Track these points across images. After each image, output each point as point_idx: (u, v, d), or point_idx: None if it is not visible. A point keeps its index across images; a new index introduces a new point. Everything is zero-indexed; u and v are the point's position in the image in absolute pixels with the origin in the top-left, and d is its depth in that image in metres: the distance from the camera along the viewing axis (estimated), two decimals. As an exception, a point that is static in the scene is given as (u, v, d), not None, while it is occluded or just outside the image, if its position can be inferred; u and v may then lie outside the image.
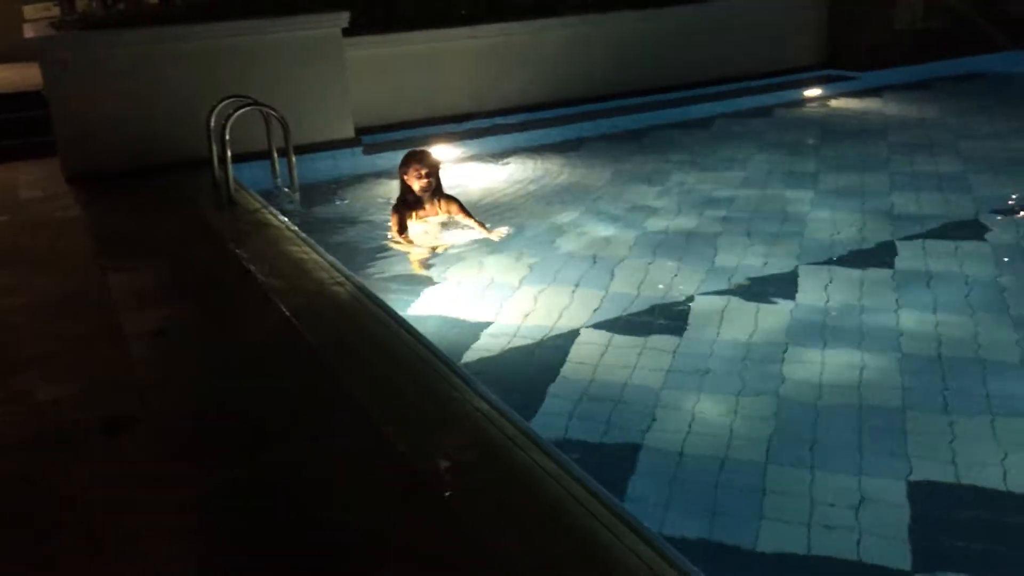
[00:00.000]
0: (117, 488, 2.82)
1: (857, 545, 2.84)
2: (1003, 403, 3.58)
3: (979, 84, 10.71)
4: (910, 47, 10.97)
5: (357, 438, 3.00)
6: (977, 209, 6.01)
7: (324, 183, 7.01)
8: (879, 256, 5.22)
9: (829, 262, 5.17)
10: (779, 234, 5.68)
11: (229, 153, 5.86)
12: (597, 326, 4.43)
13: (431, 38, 8.30)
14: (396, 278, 5.13)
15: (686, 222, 6.00)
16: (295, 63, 7.29)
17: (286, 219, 5.59)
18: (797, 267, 5.11)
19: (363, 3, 8.03)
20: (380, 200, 6.66)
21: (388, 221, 5.88)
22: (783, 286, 4.84)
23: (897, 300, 4.60)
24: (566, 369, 4.00)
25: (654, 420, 3.55)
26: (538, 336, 4.35)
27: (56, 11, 9.41)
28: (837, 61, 10.92)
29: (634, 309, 4.61)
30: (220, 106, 6.05)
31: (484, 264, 5.33)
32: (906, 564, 2.74)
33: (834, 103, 9.83)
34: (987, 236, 5.49)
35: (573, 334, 4.34)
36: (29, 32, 7.12)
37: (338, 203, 6.68)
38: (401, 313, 4.13)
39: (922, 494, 3.05)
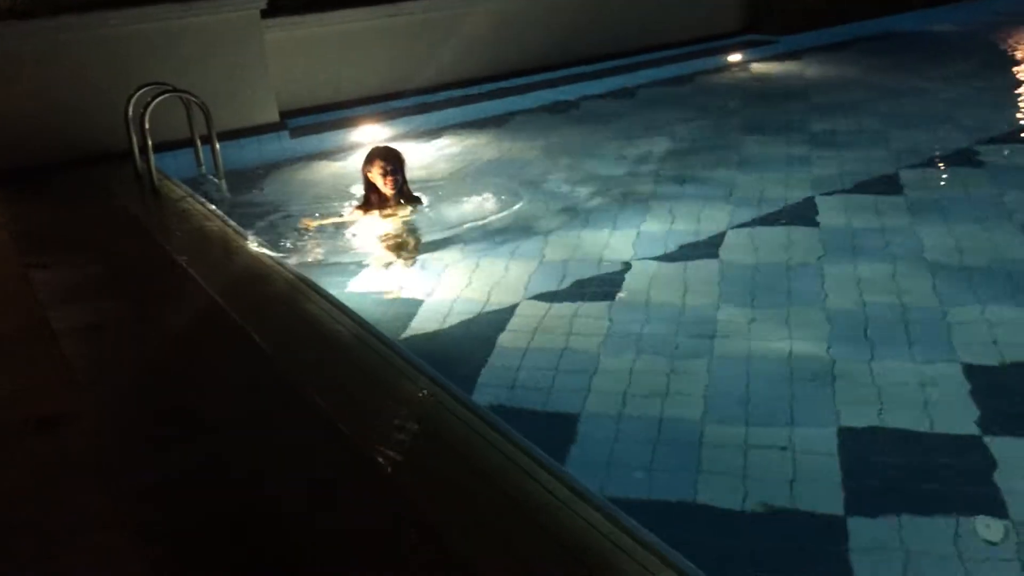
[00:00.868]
0: (57, 484, 2.78)
1: (791, 493, 2.93)
2: (923, 349, 3.72)
3: (894, 43, 11.00)
4: (828, 10, 11.19)
5: (298, 423, 2.99)
6: (895, 164, 6.19)
7: (250, 169, 6.89)
8: (803, 214, 5.35)
9: (755, 223, 5.28)
10: (707, 198, 5.78)
11: (150, 142, 5.73)
12: (534, 298, 4.46)
13: (351, 17, 8.18)
14: (328, 261, 5.08)
15: (616, 190, 6.06)
16: (213, 47, 7.13)
17: (213, 207, 5.49)
18: (726, 230, 5.21)
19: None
20: (308, 184, 6.59)
21: (319, 205, 5.82)
22: (712, 249, 4.94)
23: (821, 256, 4.73)
24: (504, 340, 4.03)
25: (592, 385, 3.60)
26: (475, 311, 4.37)
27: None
28: (758, 26, 11.10)
29: (569, 279, 4.66)
30: (138, 94, 5.90)
31: (418, 242, 5.32)
32: (839, 508, 2.84)
33: (756, 67, 9.99)
34: (905, 189, 5.67)
35: (511, 307, 4.37)
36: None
37: (266, 189, 6.58)
38: (335, 295, 4.11)
39: (851, 441, 3.17)
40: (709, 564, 2.29)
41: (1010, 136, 6.81)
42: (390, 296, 4.65)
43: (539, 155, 7.03)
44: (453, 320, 4.30)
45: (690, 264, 4.75)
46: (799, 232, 5.08)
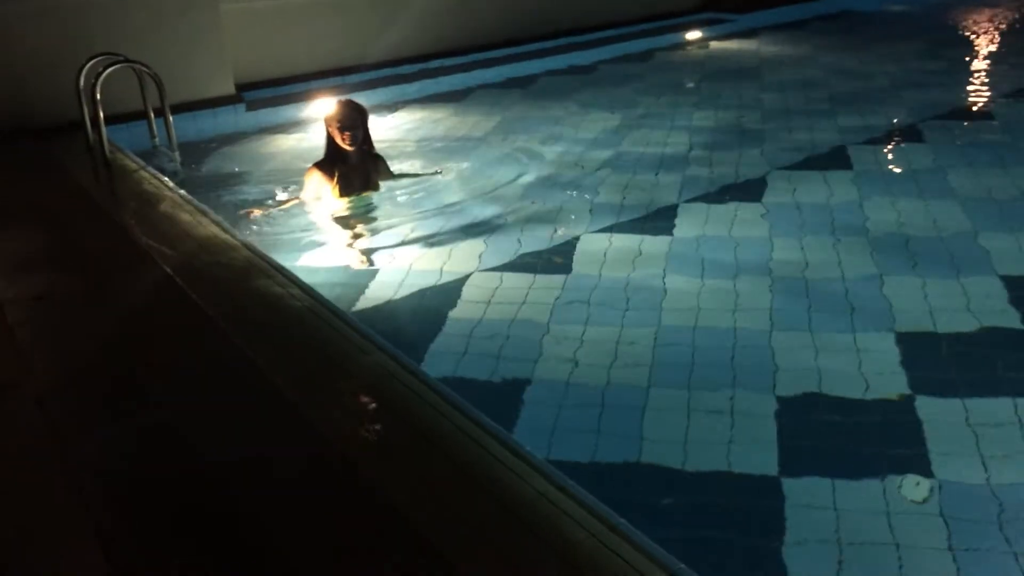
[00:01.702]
0: (5, 450, 2.79)
1: (727, 455, 3.04)
2: (862, 319, 3.84)
3: (847, 22, 11.16)
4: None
5: (247, 392, 3.02)
6: (843, 140, 6.33)
7: (205, 141, 6.84)
8: (753, 189, 5.46)
9: (707, 197, 5.38)
10: (660, 172, 5.86)
11: (102, 114, 5.67)
12: (486, 270, 4.52)
13: (308, -10, 8.13)
14: (282, 234, 5.09)
15: (571, 164, 6.13)
16: (167, 17, 7.04)
17: (166, 179, 5.46)
18: (677, 204, 5.30)
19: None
20: (265, 157, 6.56)
21: (274, 179, 5.81)
22: (664, 221, 5.03)
23: (769, 228, 4.84)
24: (456, 312, 4.08)
25: (542, 353, 3.68)
26: (428, 282, 4.41)
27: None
28: (715, 5, 11.19)
29: (522, 251, 4.72)
30: (89, 65, 5.83)
31: (372, 215, 5.34)
32: (773, 469, 2.95)
33: (713, 45, 10.09)
34: (852, 164, 5.81)
35: (463, 279, 4.42)
36: None
37: (221, 162, 6.54)
38: (288, 267, 4.13)
39: (788, 405, 3.28)
40: (650, 521, 2.38)
41: (955, 114, 6.98)
42: (342, 269, 4.68)
43: (496, 129, 7.06)
44: (405, 291, 4.34)
45: (642, 238, 4.83)
46: (748, 207, 5.18)
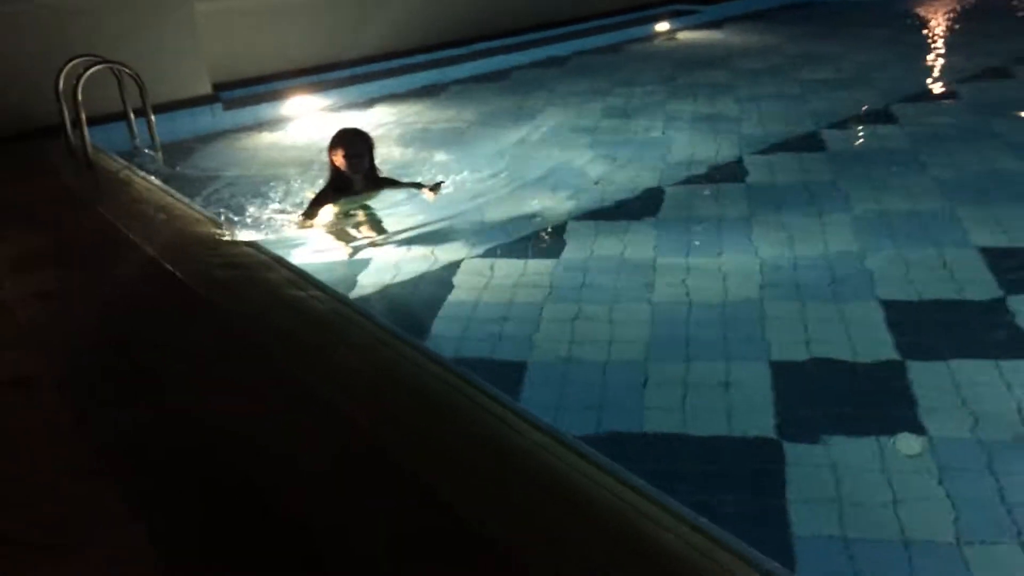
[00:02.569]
0: (28, 439, 2.85)
1: (728, 421, 3.14)
2: (846, 289, 3.98)
3: (813, 11, 11.37)
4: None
5: (255, 373, 3.08)
6: (816, 124, 6.48)
7: (184, 141, 6.84)
8: (732, 172, 5.59)
9: (689, 181, 5.50)
10: (641, 158, 5.98)
11: (83, 116, 5.66)
12: (478, 256, 4.59)
13: (282, -11, 8.15)
14: (270, 226, 5.12)
15: (552, 152, 6.22)
16: (141, 19, 7.02)
17: (152, 177, 5.47)
18: (661, 187, 5.41)
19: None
20: (244, 155, 6.58)
21: (255, 176, 5.83)
22: (649, 205, 5.14)
23: (750, 208, 4.97)
24: (452, 297, 4.16)
25: (539, 332, 3.76)
26: (421, 270, 4.48)
27: None
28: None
29: (512, 237, 4.80)
30: (68, 67, 5.81)
31: (360, 207, 5.38)
32: (772, 432, 3.06)
33: (681, 36, 10.24)
34: (826, 146, 5.96)
35: (455, 265, 4.50)
36: None
37: (202, 161, 6.54)
38: (280, 255, 4.18)
39: (781, 371, 3.39)
40: (660, 484, 2.48)
41: (922, 96, 7.18)
42: (335, 259, 4.72)
43: (474, 123, 7.13)
44: (401, 278, 4.40)
45: (627, 222, 4.93)
46: (728, 188, 5.31)
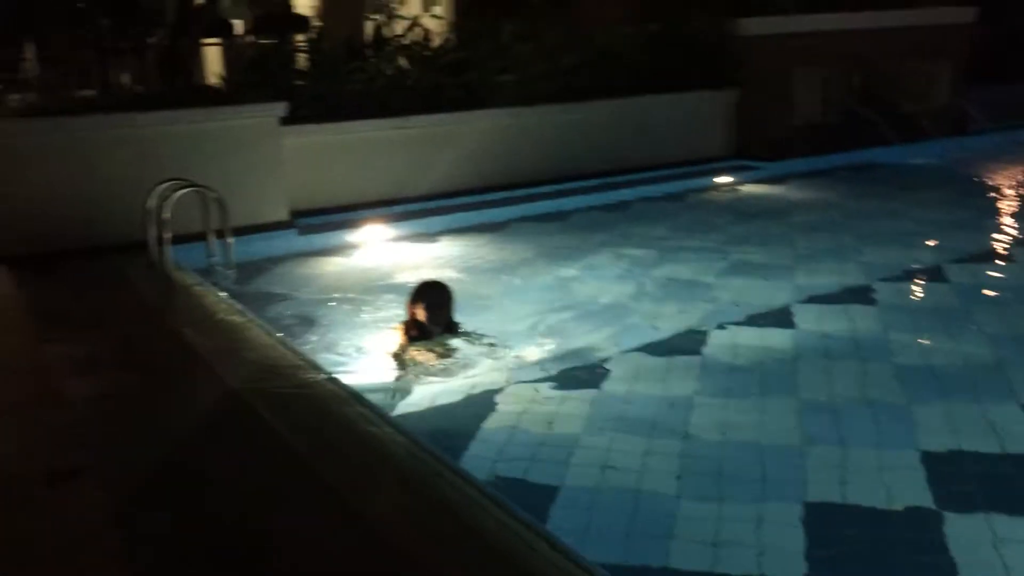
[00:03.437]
0: (66, 531, 2.97)
1: (758, 560, 3.13)
2: (888, 438, 3.97)
3: (873, 173, 11.59)
4: (811, 140, 11.84)
5: (298, 487, 3.20)
6: (869, 277, 6.56)
7: (259, 261, 7.23)
8: (779, 318, 5.67)
9: (737, 324, 5.59)
10: (691, 300, 6.11)
11: (167, 234, 6.07)
12: (522, 382, 4.70)
13: (363, 128, 8.71)
14: (329, 344, 5.35)
15: (604, 291, 6.40)
16: (233, 149, 7.58)
17: (222, 293, 5.80)
18: (706, 330, 5.51)
19: (308, 96, 8.45)
20: (313, 277, 6.92)
21: (322, 297, 6.11)
22: (693, 345, 5.23)
23: (795, 354, 5.02)
24: (492, 419, 4.27)
25: (573, 459, 3.83)
26: (465, 392, 4.60)
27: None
28: (746, 153, 11.72)
29: (557, 368, 4.92)
30: (160, 188, 6.29)
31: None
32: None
33: (743, 189, 10.52)
34: (877, 300, 6.01)
35: (498, 390, 4.61)
36: (-33, 120, 7.31)
37: (273, 280, 6.90)
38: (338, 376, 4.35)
39: (816, 514, 3.37)
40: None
41: (977, 257, 7.21)
42: (382, 380, 4.87)
43: (531, 259, 7.39)
44: (445, 399, 4.53)
45: (672, 359, 5.02)
46: (775, 333, 5.39)
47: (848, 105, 12.28)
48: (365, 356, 5.23)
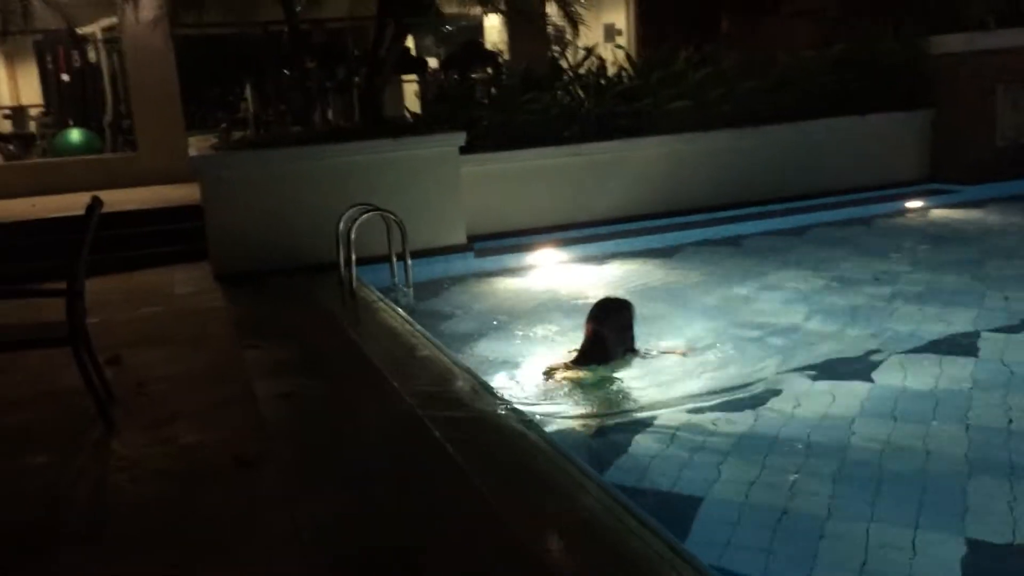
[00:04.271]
0: (245, 508, 3.40)
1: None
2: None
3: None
4: (1017, 162, 11.03)
5: (450, 487, 3.43)
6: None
7: (437, 281, 7.66)
8: (961, 345, 5.38)
9: (912, 351, 5.36)
10: (864, 327, 5.90)
11: (353, 256, 6.58)
12: (697, 410, 4.66)
13: (539, 155, 9.04)
14: (499, 364, 5.59)
15: (775, 315, 6.30)
16: (415, 177, 8.09)
17: (400, 310, 6.22)
18: (880, 355, 5.31)
19: (484, 126, 8.91)
20: (487, 295, 7.26)
21: (495, 315, 6.39)
22: (865, 371, 5.06)
23: (972, 379, 4.77)
24: (640, 437, 4.35)
25: (720, 475, 3.84)
26: (638, 420, 4.62)
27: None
28: (941, 176, 11.07)
29: (717, 387, 4.92)
30: (348, 212, 6.84)
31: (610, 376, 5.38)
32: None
33: (935, 213, 9.97)
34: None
35: (670, 416, 4.59)
36: (192, 152, 8.23)
37: (449, 299, 7.30)
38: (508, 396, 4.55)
39: (975, 550, 3.21)
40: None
41: None
42: (548, 408, 4.85)
43: (701, 283, 7.37)
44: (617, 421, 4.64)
45: (838, 384, 4.90)
46: (951, 361, 5.12)
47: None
48: (536, 376, 5.33)
